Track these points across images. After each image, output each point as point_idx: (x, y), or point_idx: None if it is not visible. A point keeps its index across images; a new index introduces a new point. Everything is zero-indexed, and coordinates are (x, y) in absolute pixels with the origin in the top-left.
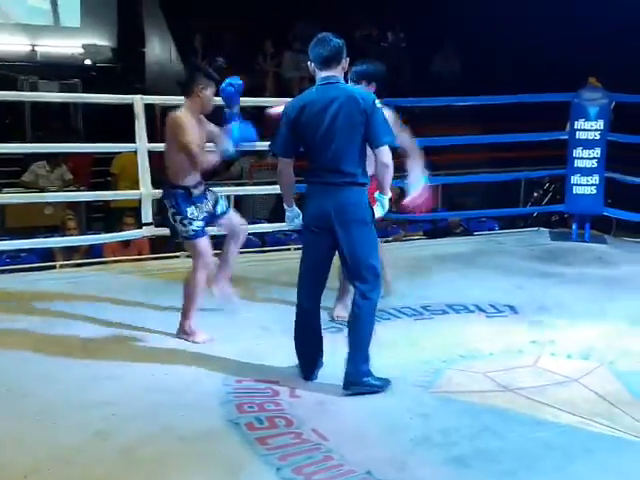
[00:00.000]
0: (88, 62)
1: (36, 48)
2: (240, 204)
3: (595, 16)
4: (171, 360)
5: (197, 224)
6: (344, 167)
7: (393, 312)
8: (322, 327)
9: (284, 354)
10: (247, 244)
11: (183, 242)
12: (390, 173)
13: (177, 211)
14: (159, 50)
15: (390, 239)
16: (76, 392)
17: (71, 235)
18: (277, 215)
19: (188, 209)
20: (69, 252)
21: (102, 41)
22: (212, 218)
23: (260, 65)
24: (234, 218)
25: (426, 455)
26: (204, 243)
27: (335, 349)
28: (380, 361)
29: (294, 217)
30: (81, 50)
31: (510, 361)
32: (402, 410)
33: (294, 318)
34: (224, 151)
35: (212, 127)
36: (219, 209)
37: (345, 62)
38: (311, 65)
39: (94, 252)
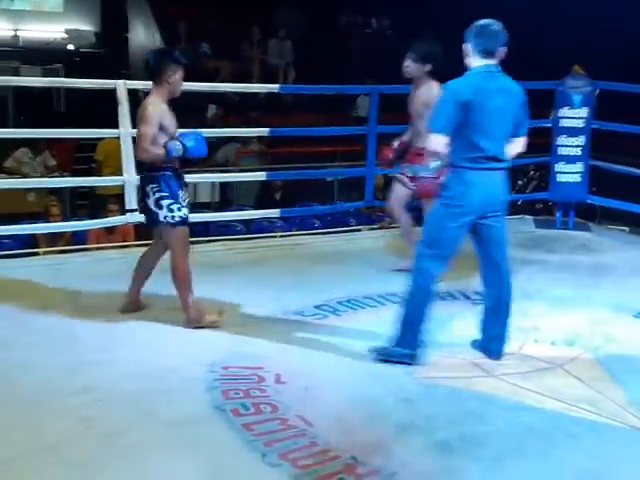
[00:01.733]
0: (71, 47)
1: (18, 33)
2: (225, 191)
3: (578, 3)
4: (156, 346)
5: (185, 211)
6: (504, 154)
7: (379, 299)
8: (307, 314)
9: (269, 341)
10: (233, 231)
11: (162, 229)
12: None
13: (168, 194)
14: (143, 35)
15: (376, 227)
16: (60, 379)
17: (55, 222)
18: (262, 202)
19: (180, 192)
20: (53, 239)
21: (85, 26)
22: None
23: (246, 51)
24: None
25: (411, 440)
26: (186, 231)
27: (319, 335)
28: (366, 348)
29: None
30: (64, 35)
31: None
32: (387, 396)
33: (415, 291)
34: (171, 150)
35: (174, 120)
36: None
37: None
38: (471, 50)
39: (78, 239)
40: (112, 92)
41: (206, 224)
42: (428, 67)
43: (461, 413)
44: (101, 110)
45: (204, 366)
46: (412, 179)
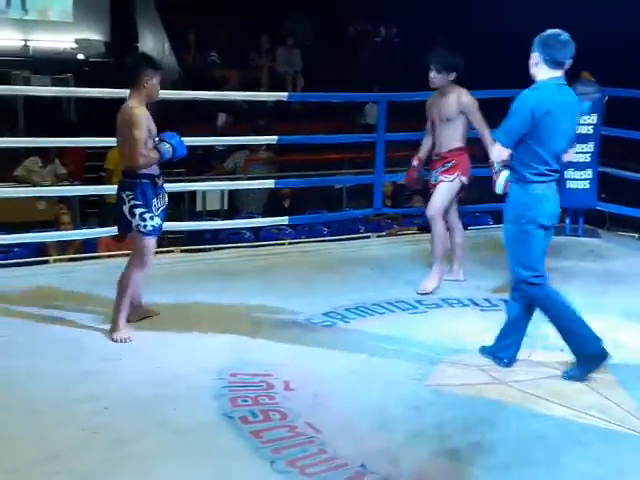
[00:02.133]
0: (81, 57)
1: (29, 43)
2: (234, 199)
3: (588, 11)
4: (165, 354)
5: (157, 220)
6: (561, 167)
7: (388, 306)
8: (315, 322)
9: (278, 347)
10: (242, 238)
11: (134, 235)
12: None
13: (141, 203)
14: (152, 45)
15: (384, 234)
16: (66, 386)
17: (65, 230)
18: (271, 210)
19: (153, 200)
20: (63, 247)
21: (95, 36)
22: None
23: (255, 60)
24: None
25: (420, 448)
26: (154, 243)
27: (327, 342)
28: (374, 354)
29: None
30: (74, 45)
31: None
32: (396, 403)
33: (543, 298)
34: (164, 153)
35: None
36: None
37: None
38: (539, 60)
39: (88, 247)
40: (121, 101)
41: (215, 232)
42: (452, 76)
43: (470, 420)
44: (110, 119)
45: (212, 373)
46: (434, 185)
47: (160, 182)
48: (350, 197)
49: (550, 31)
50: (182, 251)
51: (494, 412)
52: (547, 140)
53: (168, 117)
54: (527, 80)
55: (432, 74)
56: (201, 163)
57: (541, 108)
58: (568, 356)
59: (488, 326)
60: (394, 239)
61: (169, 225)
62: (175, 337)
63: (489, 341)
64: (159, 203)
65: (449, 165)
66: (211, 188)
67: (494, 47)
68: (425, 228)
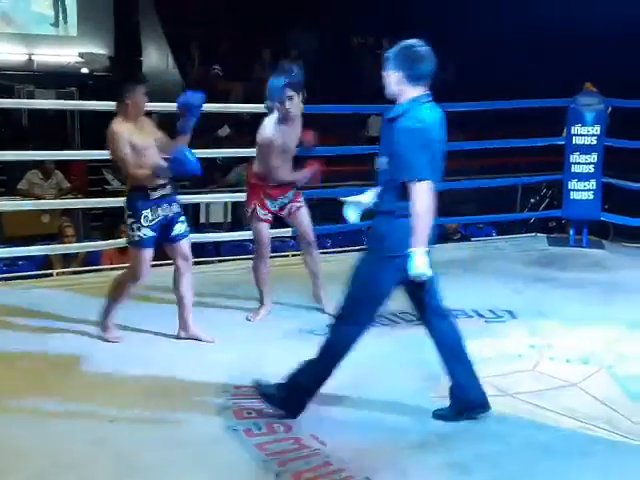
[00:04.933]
0: (85, 70)
1: (33, 57)
2: (237, 211)
3: (592, 21)
4: (169, 366)
5: (146, 232)
6: None
7: (392, 317)
8: (320, 333)
9: (282, 359)
10: (245, 250)
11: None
12: None
13: (131, 213)
14: (156, 58)
15: None
16: (72, 400)
17: (69, 243)
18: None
19: (143, 211)
20: (67, 260)
21: (99, 49)
22: (166, 233)
23: (258, 73)
24: (185, 247)
25: (425, 460)
26: (146, 255)
27: None
28: (379, 366)
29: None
30: (78, 58)
31: (509, 366)
32: (401, 415)
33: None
34: (159, 171)
35: (156, 135)
36: (176, 230)
37: None
38: (400, 77)
39: (92, 259)
40: None
41: (218, 244)
42: (301, 95)
43: (476, 432)
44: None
45: (216, 386)
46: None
47: (156, 195)
48: None
49: (406, 43)
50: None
51: (499, 424)
52: (433, 167)
53: (172, 130)
54: (529, 91)
55: (288, 104)
56: (204, 175)
57: (432, 129)
58: (575, 367)
59: (492, 338)
60: None
61: None
62: (179, 350)
63: (493, 352)
64: (152, 215)
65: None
66: (214, 200)
67: (494, 58)
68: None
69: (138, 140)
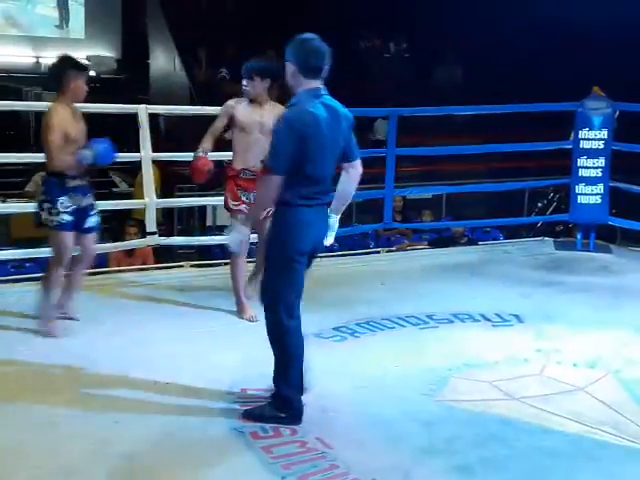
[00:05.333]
0: (92, 73)
1: (40, 59)
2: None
3: (600, 23)
4: (175, 368)
5: (64, 217)
6: (330, 186)
7: (398, 321)
8: (325, 336)
9: None
10: (251, 253)
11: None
12: None
13: (46, 198)
14: (163, 61)
15: (394, 249)
16: (77, 401)
17: None
18: None
19: (59, 198)
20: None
21: (106, 52)
22: (80, 223)
23: None
24: (91, 242)
25: (431, 464)
26: (67, 239)
27: (337, 357)
28: (385, 369)
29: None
30: (85, 61)
31: (516, 370)
32: (407, 418)
33: (287, 340)
34: (82, 159)
35: (83, 125)
36: (89, 222)
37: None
38: (292, 70)
39: (99, 262)
40: (131, 118)
41: (224, 246)
42: (266, 82)
43: (482, 436)
44: (120, 135)
45: (222, 388)
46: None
47: (73, 184)
48: (360, 212)
49: (301, 36)
50: (192, 266)
51: (505, 428)
52: (311, 159)
53: (180, 132)
54: (533, 94)
55: (245, 82)
56: (211, 178)
57: (304, 125)
58: (582, 371)
59: (499, 342)
60: (404, 254)
61: (179, 240)
62: (185, 352)
63: (500, 357)
64: (69, 202)
65: None
66: (221, 203)
67: (503, 61)
68: (435, 243)
69: (72, 130)
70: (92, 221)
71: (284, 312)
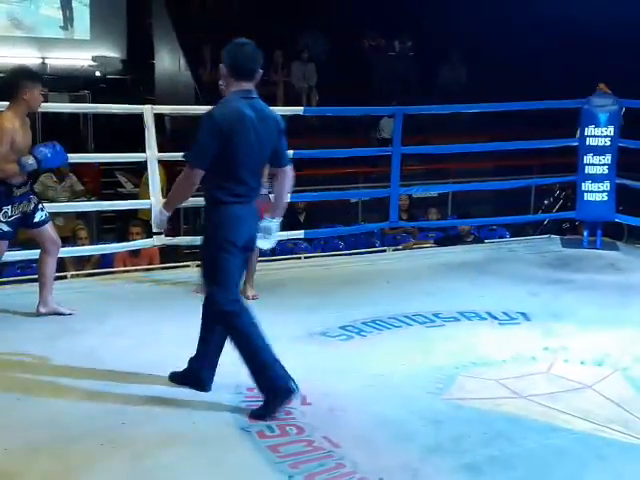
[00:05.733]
0: (98, 74)
1: (46, 60)
2: None
3: (603, 22)
4: (182, 368)
5: (2, 226)
6: (260, 185)
7: (405, 319)
8: (332, 335)
9: (295, 362)
10: (261, 252)
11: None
12: None
13: None
14: (168, 62)
15: (400, 247)
16: (85, 401)
17: (82, 245)
18: (286, 224)
19: (4, 207)
20: (80, 262)
21: (112, 53)
22: (26, 222)
23: (270, 75)
24: (47, 233)
25: (438, 462)
26: (2, 246)
27: (344, 356)
28: (392, 368)
29: (164, 221)
30: (91, 62)
31: (523, 368)
32: (414, 417)
33: (236, 322)
34: (25, 166)
35: (30, 134)
36: (37, 217)
37: (258, 75)
38: (225, 71)
39: (105, 262)
40: (137, 119)
41: None
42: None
43: (489, 434)
44: (126, 136)
45: (229, 387)
46: None
47: (19, 192)
48: (365, 211)
49: (235, 40)
50: (198, 266)
51: (513, 426)
52: (235, 158)
53: (185, 133)
54: (538, 92)
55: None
56: None
57: (224, 122)
58: (590, 369)
59: (506, 340)
60: (410, 252)
61: (185, 239)
62: (192, 351)
63: (507, 355)
64: (12, 212)
65: None
66: None
67: (508, 59)
68: (442, 242)
69: (21, 139)
70: (41, 215)
71: (224, 299)
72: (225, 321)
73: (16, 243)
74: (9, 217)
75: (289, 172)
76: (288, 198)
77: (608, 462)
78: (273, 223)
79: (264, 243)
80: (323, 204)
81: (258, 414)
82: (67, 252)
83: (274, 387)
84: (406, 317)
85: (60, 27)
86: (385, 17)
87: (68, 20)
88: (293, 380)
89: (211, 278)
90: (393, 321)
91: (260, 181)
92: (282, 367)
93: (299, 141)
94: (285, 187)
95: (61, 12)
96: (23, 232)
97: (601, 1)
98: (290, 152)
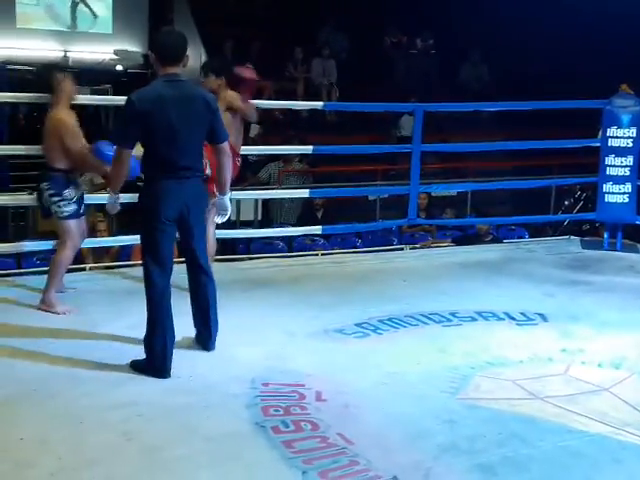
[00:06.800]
0: (119, 68)
1: (68, 54)
2: (267, 209)
3: (626, 21)
4: (197, 362)
5: (71, 207)
6: (195, 163)
7: (421, 318)
8: (347, 333)
9: (310, 358)
10: (275, 249)
11: (57, 222)
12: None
13: (55, 192)
14: (189, 56)
15: (418, 246)
16: (101, 393)
17: (101, 237)
18: (304, 222)
19: (65, 190)
20: (99, 254)
21: (133, 47)
22: (80, 209)
23: (290, 71)
24: (83, 225)
25: (452, 462)
26: (75, 225)
27: (359, 353)
28: (407, 366)
29: (115, 202)
30: (113, 56)
31: (540, 369)
32: (429, 416)
33: (150, 307)
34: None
35: None
36: (82, 209)
37: (186, 59)
38: (153, 58)
39: (124, 254)
40: None
41: (248, 242)
42: (221, 79)
43: (504, 435)
44: None
45: (244, 382)
46: None
47: (72, 176)
48: (383, 209)
49: (163, 29)
50: (215, 260)
51: (528, 427)
52: (154, 135)
53: None
54: (560, 91)
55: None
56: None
57: (143, 103)
58: (607, 371)
59: (523, 340)
60: (427, 251)
61: None
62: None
63: (524, 356)
64: (72, 192)
65: None
66: (245, 197)
67: (529, 58)
68: (460, 241)
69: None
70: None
71: (151, 268)
72: (145, 285)
73: (35, 236)
74: (73, 197)
75: (225, 149)
76: (229, 174)
77: (623, 465)
78: (223, 200)
79: (218, 218)
80: (341, 201)
81: (134, 364)
82: (86, 243)
83: (153, 360)
84: (422, 316)
85: (83, 21)
86: (407, 14)
87: (91, 14)
88: (170, 367)
89: (144, 248)
90: (409, 319)
91: (196, 159)
92: (172, 351)
93: (318, 138)
94: (223, 164)
95: (84, 6)
96: (42, 223)
97: (624, 1)
98: (309, 147)
